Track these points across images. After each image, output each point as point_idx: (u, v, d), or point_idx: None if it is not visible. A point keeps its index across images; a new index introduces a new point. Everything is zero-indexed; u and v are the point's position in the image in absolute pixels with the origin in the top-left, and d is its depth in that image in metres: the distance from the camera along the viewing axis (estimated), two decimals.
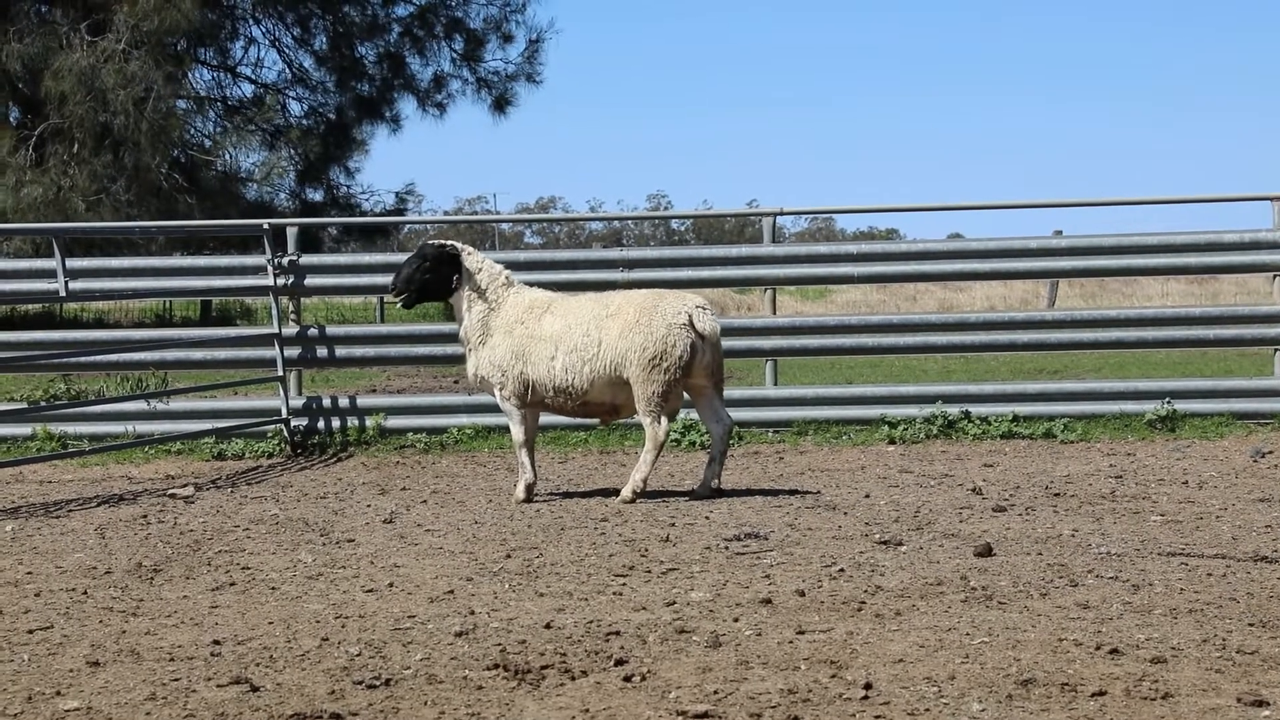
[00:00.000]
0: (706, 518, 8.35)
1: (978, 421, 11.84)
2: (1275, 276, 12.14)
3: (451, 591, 6.47)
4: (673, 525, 8.10)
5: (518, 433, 9.28)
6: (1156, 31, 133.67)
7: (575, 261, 12.72)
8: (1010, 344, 12.41)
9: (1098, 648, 5.22)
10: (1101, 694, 4.69)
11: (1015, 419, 11.85)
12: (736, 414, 10.51)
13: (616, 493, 9.18)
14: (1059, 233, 16.25)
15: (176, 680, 5.09)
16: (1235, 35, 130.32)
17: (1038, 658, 5.12)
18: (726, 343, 10.06)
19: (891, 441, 11.66)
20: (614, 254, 12.74)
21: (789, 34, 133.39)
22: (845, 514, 8.38)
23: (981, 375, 15.72)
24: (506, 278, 9.37)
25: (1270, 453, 10.48)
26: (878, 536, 7.55)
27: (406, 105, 30.85)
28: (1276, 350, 12.08)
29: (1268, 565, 6.66)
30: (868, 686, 4.80)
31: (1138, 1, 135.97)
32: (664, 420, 8.96)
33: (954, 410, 11.91)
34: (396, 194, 31.76)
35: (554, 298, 9.38)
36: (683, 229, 67.21)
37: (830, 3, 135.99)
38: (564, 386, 9.06)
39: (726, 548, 7.36)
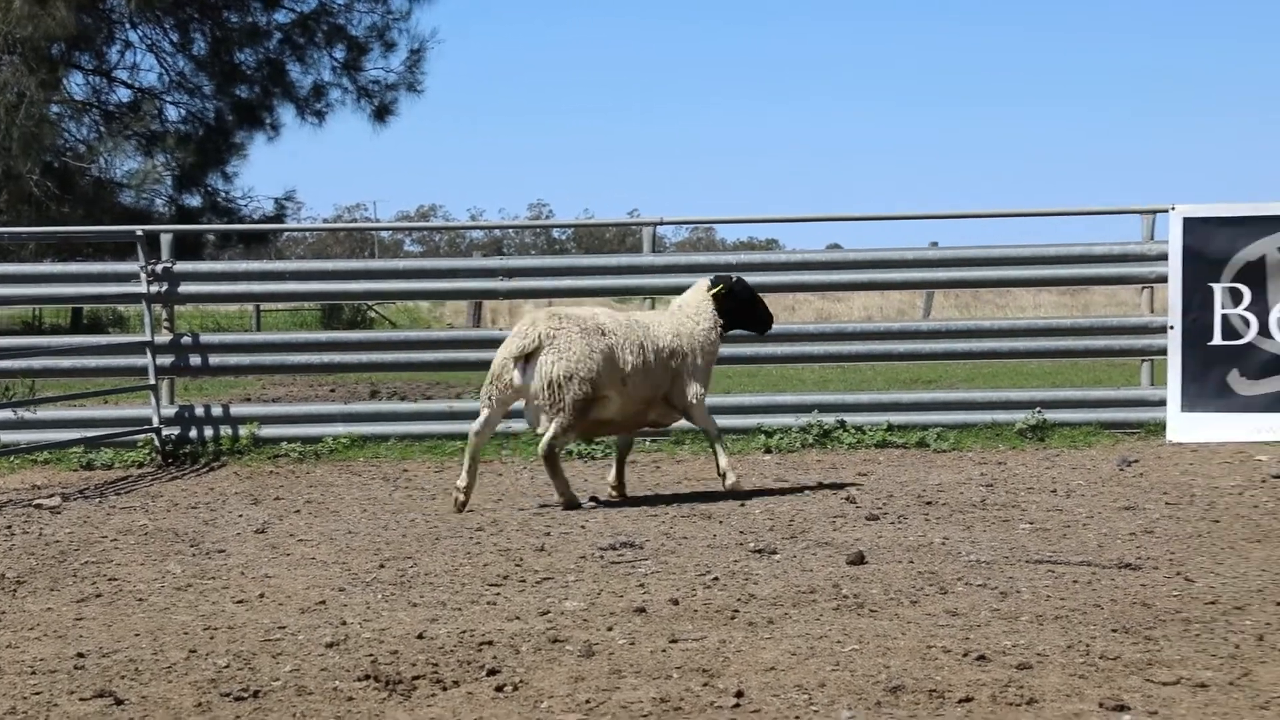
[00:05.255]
0: (582, 527, 8.35)
1: (853, 431, 11.95)
2: (1144, 288, 12.37)
3: (323, 602, 6.41)
4: (548, 535, 8.09)
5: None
6: (1029, 41, 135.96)
7: (455, 270, 12.68)
8: (886, 354, 12.51)
9: (965, 654, 5.29)
10: (968, 700, 4.75)
11: (890, 428, 11.98)
12: None
13: (497, 501, 9.15)
14: (935, 244, 16.47)
15: (38, 694, 4.99)
16: (1108, 46, 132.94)
17: (907, 664, 5.17)
18: None
19: (768, 450, 11.73)
20: (494, 263, 12.70)
21: (669, 44, 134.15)
22: (720, 523, 8.42)
23: (857, 385, 15.85)
24: None
25: (1136, 461, 10.67)
26: (752, 545, 7.59)
27: (286, 113, 30.55)
28: (1144, 361, 12.32)
29: (1131, 572, 6.78)
30: (739, 694, 4.82)
31: (1009, 13, 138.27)
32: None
33: (830, 419, 12.01)
34: (276, 200, 31.41)
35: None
36: (564, 238, 67.38)
37: (706, 13, 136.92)
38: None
39: (602, 557, 7.36)
